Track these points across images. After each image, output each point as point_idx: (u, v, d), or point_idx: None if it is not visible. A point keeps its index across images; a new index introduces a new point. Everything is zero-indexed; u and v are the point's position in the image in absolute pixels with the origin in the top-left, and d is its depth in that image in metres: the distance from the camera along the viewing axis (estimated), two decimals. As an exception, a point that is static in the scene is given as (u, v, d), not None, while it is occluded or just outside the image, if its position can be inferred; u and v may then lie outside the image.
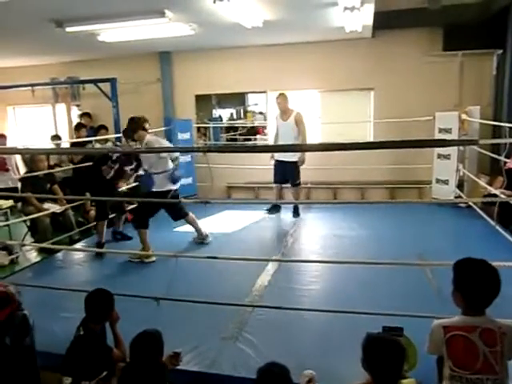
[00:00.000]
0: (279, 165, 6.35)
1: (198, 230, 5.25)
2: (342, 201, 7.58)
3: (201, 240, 5.25)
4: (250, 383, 2.37)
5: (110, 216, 5.43)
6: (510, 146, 5.28)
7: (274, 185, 6.54)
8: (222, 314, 3.31)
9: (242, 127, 10.75)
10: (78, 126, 7.62)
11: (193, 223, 5.23)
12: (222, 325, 3.19)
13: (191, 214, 5.18)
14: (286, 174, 6.31)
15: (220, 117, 10.84)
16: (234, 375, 2.64)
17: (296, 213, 6.42)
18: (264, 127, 9.53)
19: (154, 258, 4.67)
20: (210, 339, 3.01)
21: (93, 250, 5.12)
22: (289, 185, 6.46)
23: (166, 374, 2.25)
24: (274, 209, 6.58)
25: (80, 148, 6.77)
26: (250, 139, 10.13)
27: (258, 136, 10.17)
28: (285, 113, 6.28)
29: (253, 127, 10.50)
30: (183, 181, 7.70)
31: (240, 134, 10.56)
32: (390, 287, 3.66)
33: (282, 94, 6.32)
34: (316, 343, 2.94)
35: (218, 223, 6.12)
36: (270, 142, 8.48)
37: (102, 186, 5.08)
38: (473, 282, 1.84)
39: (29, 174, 5.70)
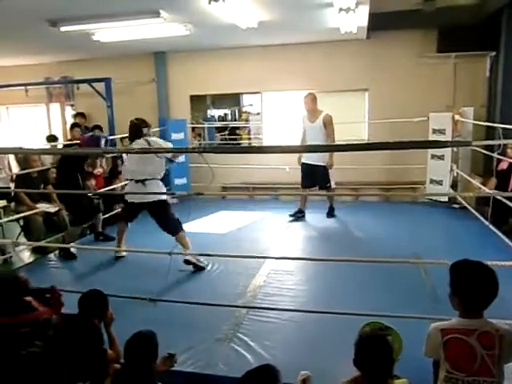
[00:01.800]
0: (307, 168, 6.08)
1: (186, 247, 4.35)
2: (338, 198, 7.58)
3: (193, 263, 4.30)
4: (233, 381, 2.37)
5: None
6: (503, 147, 5.34)
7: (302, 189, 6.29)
8: (217, 314, 3.30)
9: (238, 128, 10.72)
10: (73, 126, 7.58)
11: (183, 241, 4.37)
12: (217, 326, 3.18)
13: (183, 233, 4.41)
14: (316, 177, 6.04)
15: (214, 117, 10.81)
16: (229, 376, 2.63)
17: (330, 214, 6.23)
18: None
19: (124, 254, 4.67)
20: (204, 340, 3.00)
21: (86, 247, 5.08)
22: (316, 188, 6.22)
23: (155, 376, 2.23)
24: (298, 215, 6.28)
25: (72, 148, 6.72)
26: (243, 140, 10.10)
27: (251, 136, 10.13)
28: (312, 114, 5.96)
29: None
30: (178, 181, 7.76)
31: (236, 134, 10.51)
32: (385, 287, 3.67)
33: (309, 94, 6.03)
34: (310, 344, 2.94)
35: (213, 223, 6.12)
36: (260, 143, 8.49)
37: (74, 189, 4.85)
38: (470, 284, 1.82)
39: (22, 172, 5.66)
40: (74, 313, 2.49)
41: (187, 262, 4.23)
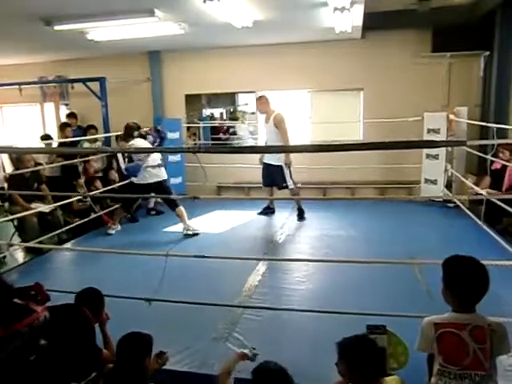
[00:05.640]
0: (265, 168, 6.21)
1: (184, 221, 5.54)
2: (331, 197, 7.61)
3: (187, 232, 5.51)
4: (240, 383, 2.37)
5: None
6: (497, 146, 5.37)
7: (264, 188, 6.41)
8: (213, 314, 3.30)
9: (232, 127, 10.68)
10: (63, 126, 7.49)
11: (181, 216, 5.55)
12: (213, 325, 3.18)
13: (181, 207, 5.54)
14: (273, 177, 6.13)
15: (212, 116, 10.78)
16: (225, 375, 2.63)
17: (300, 216, 6.23)
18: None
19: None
20: (200, 339, 3.00)
21: (81, 249, 5.07)
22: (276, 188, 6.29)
23: (147, 374, 2.22)
24: (267, 211, 6.53)
25: (69, 148, 6.69)
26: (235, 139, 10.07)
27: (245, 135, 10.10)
28: (266, 115, 6.10)
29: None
30: (173, 180, 7.75)
31: (230, 134, 10.48)
32: (380, 287, 3.68)
33: (260, 97, 6.19)
34: (306, 343, 2.95)
35: (208, 223, 6.11)
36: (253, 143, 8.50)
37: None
38: (462, 279, 1.87)
39: (15, 172, 5.62)
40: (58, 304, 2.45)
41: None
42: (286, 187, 6.08)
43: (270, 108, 6.10)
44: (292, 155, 5.95)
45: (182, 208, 5.53)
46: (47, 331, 2.08)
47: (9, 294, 2.11)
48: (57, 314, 2.22)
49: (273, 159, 6.03)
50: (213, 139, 9.88)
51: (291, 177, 6.05)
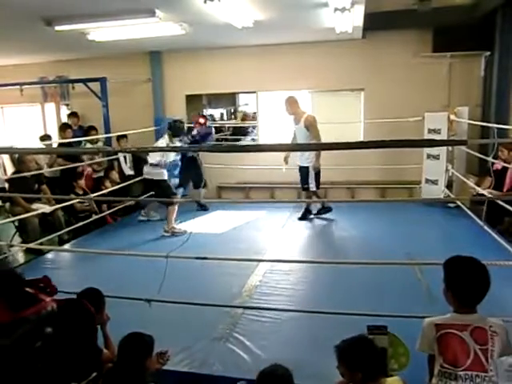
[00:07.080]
0: (299, 170, 6.13)
1: (169, 221, 5.61)
2: (332, 199, 7.60)
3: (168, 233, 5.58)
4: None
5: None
6: (498, 146, 5.37)
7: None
8: (213, 314, 3.30)
9: (233, 127, 10.70)
10: (63, 127, 7.46)
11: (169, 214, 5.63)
12: (213, 325, 3.19)
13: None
14: (301, 178, 6.09)
15: (212, 116, 10.81)
16: (225, 375, 2.63)
17: (303, 217, 6.19)
18: (253, 127, 9.50)
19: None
20: (200, 340, 3.00)
21: (82, 250, 5.07)
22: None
23: (146, 374, 2.22)
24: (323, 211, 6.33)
25: (69, 148, 6.69)
26: (239, 139, 10.09)
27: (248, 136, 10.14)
28: (296, 116, 5.99)
29: (241, 127, 10.48)
30: (174, 180, 7.74)
31: (230, 134, 10.52)
32: (380, 287, 3.67)
33: (288, 98, 6.02)
34: (306, 343, 2.95)
35: (209, 223, 6.11)
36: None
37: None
38: (463, 279, 1.87)
39: (16, 175, 5.63)
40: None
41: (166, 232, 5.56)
42: (308, 189, 6.03)
43: (299, 109, 6.02)
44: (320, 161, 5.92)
45: (175, 207, 5.61)
46: (53, 321, 2.13)
47: (20, 283, 2.26)
48: (61, 306, 2.27)
49: (302, 161, 6.01)
50: (232, 140, 9.90)
51: (316, 180, 5.99)
